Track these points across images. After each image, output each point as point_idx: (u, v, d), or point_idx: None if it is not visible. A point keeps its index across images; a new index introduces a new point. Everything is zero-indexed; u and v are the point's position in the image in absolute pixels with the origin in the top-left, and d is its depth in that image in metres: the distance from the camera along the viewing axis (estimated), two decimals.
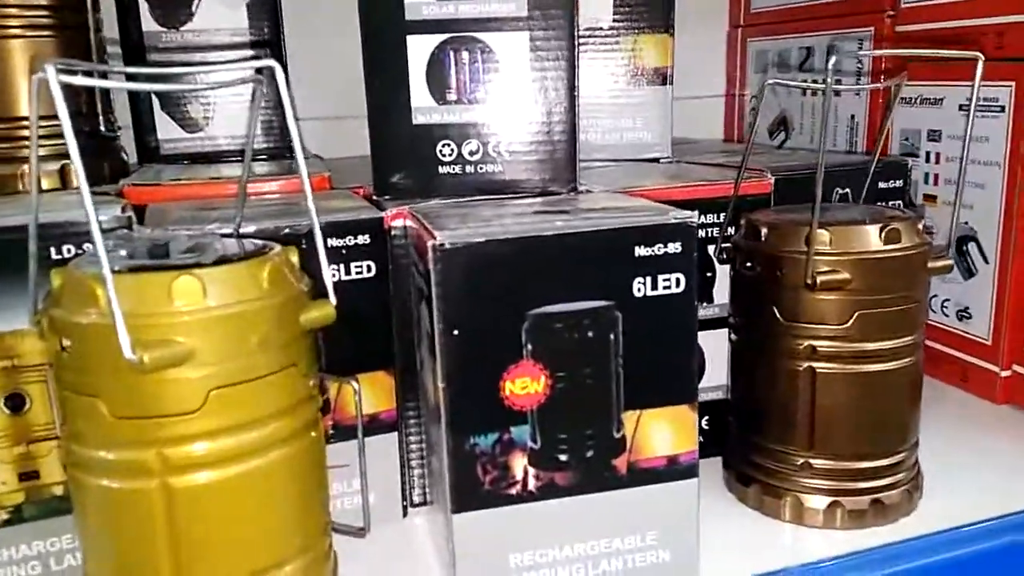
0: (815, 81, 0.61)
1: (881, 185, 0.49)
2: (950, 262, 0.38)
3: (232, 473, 0.28)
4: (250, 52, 0.54)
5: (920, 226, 0.38)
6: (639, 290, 0.32)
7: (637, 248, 0.31)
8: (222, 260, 0.28)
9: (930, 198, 0.55)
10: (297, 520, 0.31)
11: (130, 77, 0.40)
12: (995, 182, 0.50)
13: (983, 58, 0.37)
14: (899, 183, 0.49)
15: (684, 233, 0.32)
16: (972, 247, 0.52)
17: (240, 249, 0.30)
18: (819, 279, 0.36)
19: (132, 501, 0.28)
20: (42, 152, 0.45)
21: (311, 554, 0.31)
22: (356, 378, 0.34)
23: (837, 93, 0.61)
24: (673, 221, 0.32)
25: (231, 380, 0.28)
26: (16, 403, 0.35)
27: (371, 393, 0.39)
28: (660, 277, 0.32)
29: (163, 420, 0.27)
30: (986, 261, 0.52)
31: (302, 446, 0.30)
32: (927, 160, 0.55)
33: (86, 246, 0.35)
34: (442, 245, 0.30)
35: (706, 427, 0.46)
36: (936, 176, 0.55)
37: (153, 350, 0.26)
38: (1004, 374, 0.52)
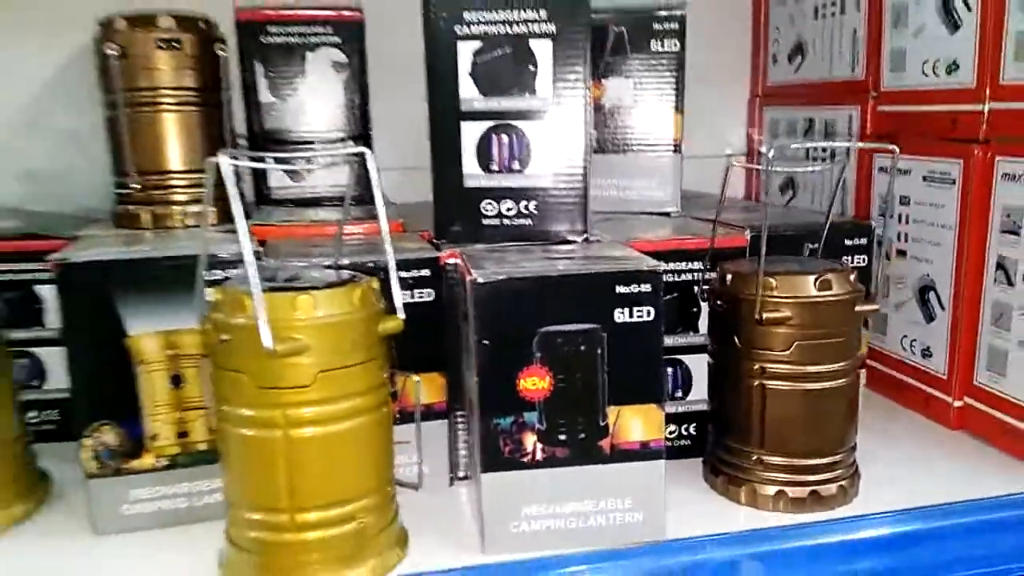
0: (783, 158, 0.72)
1: (847, 242, 0.59)
2: (877, 307, 0.49)
3: (329, 430, 0.41)
4: (344, 120, 0.67)
5: (852, 277, 0.49)
6: (619, 317, 0.44)
7: (618, 286, 0.44)
8: (328, 285, 0.42)
9: (901, 252, 0.65)
10: (371, 467, 0.43)
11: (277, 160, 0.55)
12: (948, 242, 0.60)
13: (898, 150, 0.48)
14: (863, 240, 0.60)
15: (653, 278, 0.44)
16: (932, 296, 0.62)
17: (338, 277, 0.44)
18: (765, 316, 0.48)
19: (264, 445, 0.41)
20: (186, 197, 0.60)
21: (379, 495, 0.44)
22: (417, 374, 0.47)
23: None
24: (645, 268, 0.44)
25: (331, 366, 0.41)
26: (176, 381, 0.49)
27: (427, 389, 0.52)
28: (635, 308, 0.44)
29: (286, 390, 0.40)
30: (942, 308, 0.62)
31: (376, 417, 0.43)
32: (900, 221, 0.65)
33: (229, 271, 0.48)
34: (476, 280, 0.43)
35: (693, 432, 0.57)
36: (905, 234, 0.65)
37: (282, 344, 0.39)
38: (957, 404, 0.61)
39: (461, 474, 0.54)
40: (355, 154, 0.45)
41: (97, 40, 0.58)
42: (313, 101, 0.66)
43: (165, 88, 0.58)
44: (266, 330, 0.39)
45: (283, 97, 0.66)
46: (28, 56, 0.71)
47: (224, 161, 0.40)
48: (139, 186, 0.58)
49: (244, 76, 0.64)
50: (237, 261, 0.50)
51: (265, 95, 0.65)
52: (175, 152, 0.59)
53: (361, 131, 0.68)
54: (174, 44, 0.56)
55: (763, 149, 0.83)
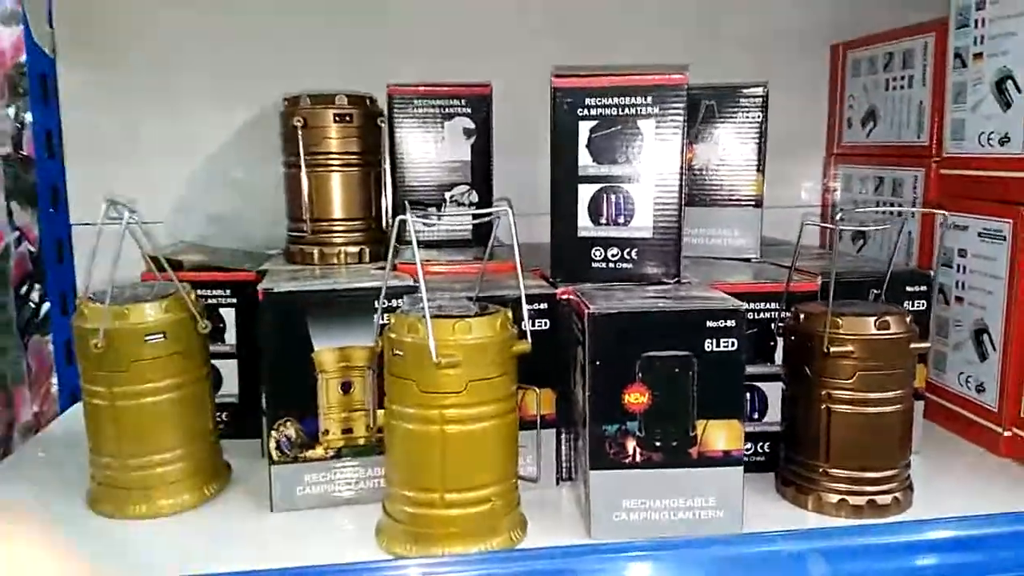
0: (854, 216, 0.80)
1: (908, 288, 0.68)
2: (928, 344, 0.58)
3: (474, 427, 0.53)
4: (469, 176, 0.80)
5: (908, 319, 0.58)
6: (708, 347, 0.54)
7: (708, 321, 0.54)
8: (477, 315, 0.53)
9: (959, 299, 0.74)
10: (503, 460, 0.55)
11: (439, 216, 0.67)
12: (999, 290, 0.68)
13: (947, 214, 0.57)
14: (923, 287, 0.68)
15: (737, 315, 0.54)
16: (985, 337, 0.70)
17: (479, 308, 0.55)
18: (832, 350, 0.57)
19: (424, 437, 0.53)
20: (344, 240, 0.73)
21: (507, 484, 0.55)
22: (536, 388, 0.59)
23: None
24: (731, 307, 0.54)
25: (477, 377, 0.52)
26: (346, 387, 0.61)
27: (542, 401, 0.62)
28: (721, 339, 0.54)
29: (444, 395, 0.52)
30: (994, 348, 0.69)
31: (508, 420, 0.54)
32: (957, 271, 0.74)
33: (395, 301, 0.60)
34: (593, 313, 0.54)
35: (767, 450, 0.66)
36: (962, 283, 0.73)
37: (444, 358, 0.51)
38: (1006, 434, 0.69)
39: (564, 475, 0.65)
40: (500, 210, 0.57)
41: (283, 112, 0.72)
42: (448, 161, 0.79)
43: (336, 153, 0.71)
44: (433, 347, 0.50)
45: (424, 157, 0.79)
46: (214, 123, 0.86)
47: (410, 217, 0.52)
48: (311, 231, 0.72)
49: (393, 140, 0.77)
50: (402, 292, 0.61)
51: (409, 156, 0.78)
52: (340, 203, 0.72)
53: (484, 184, 0.80)
54: (347, 118, 0.70)
55: (836, 204, 0.92)
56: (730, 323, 0.54)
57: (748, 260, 0.77)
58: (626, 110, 0.61)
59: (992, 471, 0.67)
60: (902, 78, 0.82)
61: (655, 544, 0.54)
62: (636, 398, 0.55)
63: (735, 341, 0.54)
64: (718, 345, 0.54)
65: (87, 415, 0.60)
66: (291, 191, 0.73)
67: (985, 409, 0.70)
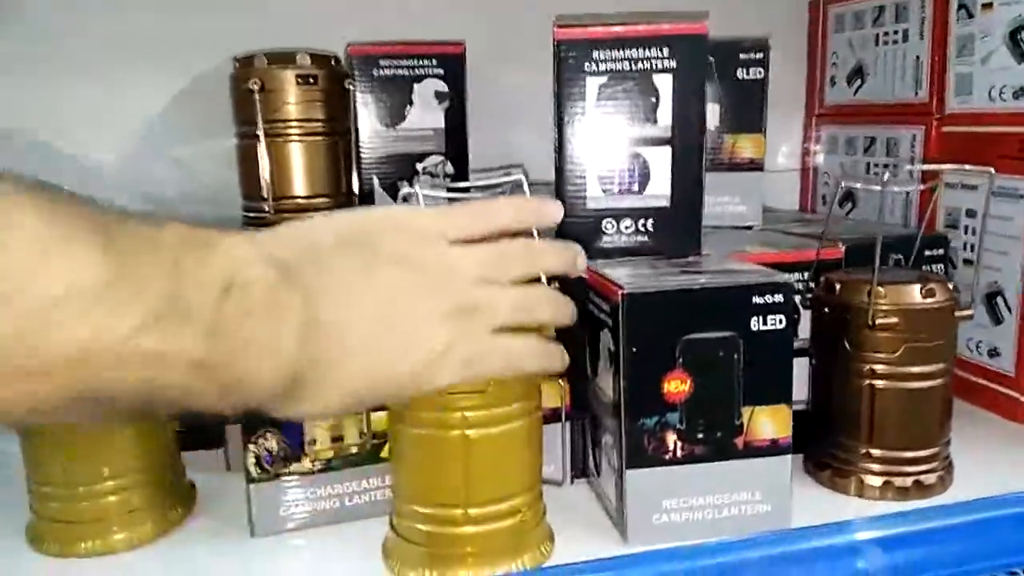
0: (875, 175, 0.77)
1: (926, 252, 0.64)
2: (971, 312, 0.54)
3: (501, 430, 0.45)
4: (443, 145, 0.72)
5: (950, 286, 0.54)
6: (755, 325, 0.48)
7: (755, 297, 0.48)
8: None
9: (968, 262, 0.70)
10: (531, 465, 0.48)
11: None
12: (1016, 251, 0.65)
13: (993, 171, 0.53)
14: (940, 251, 0.65)
15: (786, 289, 0.48)
16: (999, 300, 0.67)
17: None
18: (877, 321, 0.52)
19: (443, 444, 0.45)
20: None
21: (535, 491, 0.48)
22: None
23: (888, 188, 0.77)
24: (780, 281, 0.48)
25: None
26: None
27: (551, 394, 0.56)
28: (768, 317, 0.48)
29: (465, 395, 0.44)
30: (1009, 311, 0.67)
31: (535, 419, 0.48)
32: (965, 232, 0.70)
33: None
34: (628, 292, 0.48)
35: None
36: (971, 245, 0.70)
37: None
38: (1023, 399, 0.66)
39: (579, 472, 0.59)
40: (515, 179, 0.49)
41: (235, 75, 0.62)
42: (418, 129, 0.71)
43: (298, 120, 0.62)
44: None
45: (392, 124, 0.70)
46: (148, 95, 0.75)
47: (419, 191, 0.45)
48: (272, 209, 0.63)
49: (356, 106, 0.68)
50: None
51: (374, 124, 0.70)
52: (305, 177, 0.63)
53: (460, 154, 0.72)
54: (310, 80, 0.61)
55: (820, 163, 0.88)
56: (778, 298, 0.48)
57: (749, 228, 0.72)
58: (640, 64, 0.55)
59: (1018, 439, 0.64)
60: (895, 32, 0.78)
61: (700, 549, 0.49)
62: (677, 386, 0.49)
63: (783, 318, 0.49)
64: (765, 323, 0.49)
65: (23, 434, 0.51)
66: (246, 165, 0.64)
67: (1001, 375, 0.68)
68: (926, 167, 0.68)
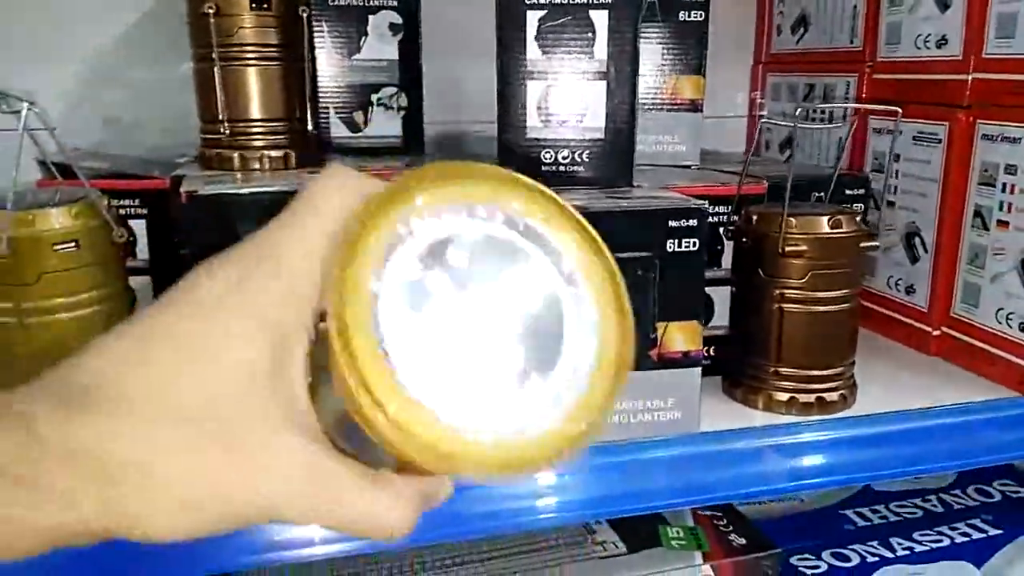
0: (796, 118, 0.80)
1: (848, 192, 0.69)
2: (877, 243, 0.58)
3: None
4: (397, 77, 0.75)
5: (857, 219, 0.58)
6: (670, 247, 0.52)
7: (670, 221, 0.52)
8: None
9: (891, 204, 0.75)
10: None
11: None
12: (933, 193, 0.70)
13: (900, 112, 0.57)
14: (862, 191, 0.69)
15: (699, 214, 0.52)
16: (917, 240, 0.72)
17: None
18: (787, 249, 0.56)
19: None
20: (265, 143, 0.67)
21: None
22: None
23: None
24: (693, 205, 0.52)
25: None
26: None
27: None
28: (683, 240, 0.52)
29: None
30: (926, 251, 0.71)
31: None
32: (890, 175, 0.75)
33: None
34: None
35: (713, 353, 0.66)
36: (895, 187, 0.74)
37: None
38: (935, 333, 0.71)
39: None
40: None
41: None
42: (373, 60, 0.73)
43: (252, 44, 0.64)
44: None
45: (347, 55, 0.73)
46: (100, 18, 0.77)
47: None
48: (228, 132, 0.65)
49: (310, 36, 0.71)
50: None
51: (329, 55, 0.72)
52: (260, 103, 0.66)
53: (414, 86, 0.75)
54: (264, 5, 0.63)
55: (764, 112, 0.92)
56: (692, 222, 0.52)
57: (688, 167, 0.76)
58: None
59: (924, 369, 0.69)
60: None
61: (615, 447, 0.54)
62: None
63: (696, 241, 0.53)
64: (679, 245, 0.53)
65: None
66: (203, 89, 0.66)
67: (915, 309, 0.73)
68: (834, 105, 0.72)
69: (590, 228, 0.33)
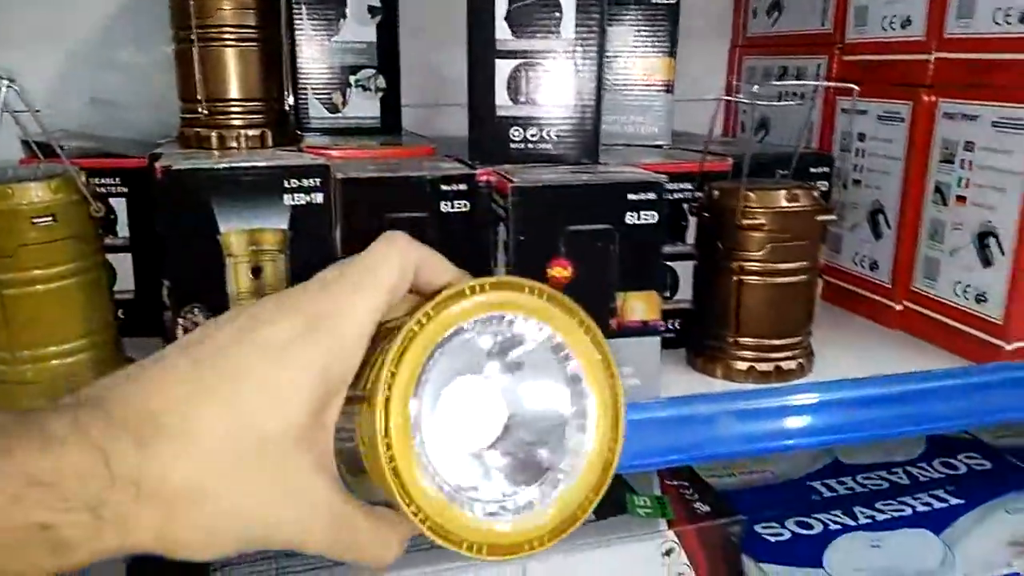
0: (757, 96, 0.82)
1: (812, 170, 0.70)
2: (834, 217, 0.60)
3: None
4: (375, 58, 0.76)
5: (815, 194, 0.60)
6: (630, 219, 0.54)
7: (629, 194, 0.54)
8: None
9: (856, 182, 0.77)
10: None
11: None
12: (896, 171, 0.72)
13: (857, 89, 0.59)
14: (826, 169, 0.71)
15: (658, 187, 0.54)
16: (880, 217, 0.74)
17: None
18: (745, 222, 0.58)
19: None
20: (243, 122, 0.69)
21: None
22: None
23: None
24: (652, 179, 0.54)
25: None
26: (256, 272, 0.58)
27: None
28: (642, 212, 0.54)
29: None
30: (889, 227, 0.73)
31: None
32: (855, 155, 0.76)
33: (305, 181, 0.58)
34: (517, 185, 0.53)
35: (678, 327, 0.68)
36: (861, 166, 0.76)
37: None
38: (898, 308, 0.73)
39: None
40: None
41: None
42: (351, 41, 0.75)
43: (230, 25, 0.66)
44: None
45: (325, 37, 0.75)
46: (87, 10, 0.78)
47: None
48: (206, 111, 0.67)
49: (290, 17, 0.72)
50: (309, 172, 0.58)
51: (308, 36, 0.74)
52: (237, 82, 0.68)
53: (391, 68, 0.77)
54: None
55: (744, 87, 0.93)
56: (650, 195, 0.54)
57: (660, 147, 0.77)
58: None
59: (885, 341, 0.71)
60: None
61: None
62: (560, 272, 0.55)
63: (655, 214, 0.55)
64: (639, 218, 0.55)
65: None
66: (182, 69, 0.68)
67: (878, 285, 0.75)
68: (789, 84, 0.74)
69: (606, 346, 0.38)
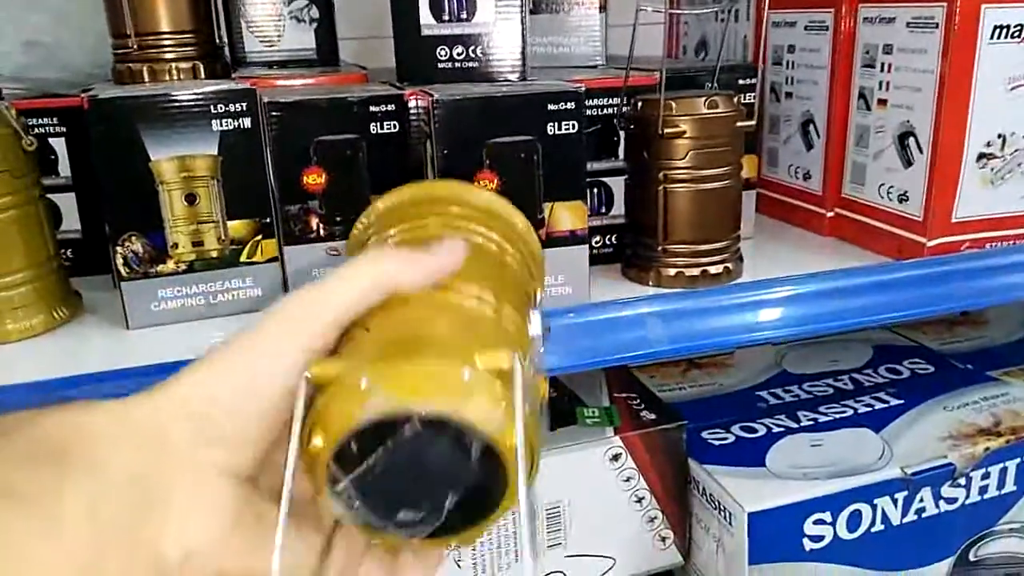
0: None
1: (740, 82, 0.72)
2: (752, 123, 0.62)
3: None
4: None
5: (735, 100, 0.62)
6: (551, 130, 0.56)
7: (549, 105, 0.55)
8: None
9: (788, 95, 0.78)
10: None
11: None
12: (823, 80, 0.73)
13: None
14: (752, 80, 0.72)
15: (576, 97, 0.55)
16: (811, 128, 0.75)
17: None
18: (666, 131, 0.60)
19: None
20: (175, 55, 0.69)
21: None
22: None
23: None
24: (571, 90, 0.56)
25: None
26: (190, 199, 0.59)
27: None
28: (562, 122, 0.56)
29: None
30: (819, 137, 0.75)
31: None
32: (786, 67, 0.78)
33: (233, 106, 0.58)
34: (437, 100, 0.54)
35: (613, 241, 0.70)
36: (792, 78, 0.77)
37: None
38: (829, 215, 0.75)
39: None
40: None
41: None
42: None
43: None
44: None
45: None
46: None
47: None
48: (137, 46, 0.67)
49: None
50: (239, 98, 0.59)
51: None
52: (167, 15, 0.68)
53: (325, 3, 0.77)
54: None
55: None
56: (570, 105, 0.56)
57: (594, 67, 0.78)
58: None
59: (816, 247, 0.73)
60: None
61: None
62: (484, 185, 0.56)
63: (575, 123, 0.56)
64: (560, 128, 0.56)
65: None
66: (111, 4, 0.68)
67: (810, 194, 0.77)
68: None
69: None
